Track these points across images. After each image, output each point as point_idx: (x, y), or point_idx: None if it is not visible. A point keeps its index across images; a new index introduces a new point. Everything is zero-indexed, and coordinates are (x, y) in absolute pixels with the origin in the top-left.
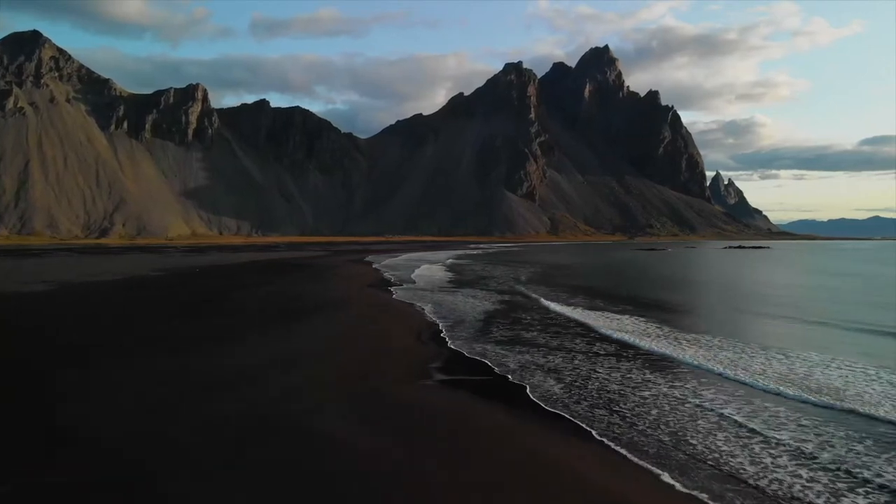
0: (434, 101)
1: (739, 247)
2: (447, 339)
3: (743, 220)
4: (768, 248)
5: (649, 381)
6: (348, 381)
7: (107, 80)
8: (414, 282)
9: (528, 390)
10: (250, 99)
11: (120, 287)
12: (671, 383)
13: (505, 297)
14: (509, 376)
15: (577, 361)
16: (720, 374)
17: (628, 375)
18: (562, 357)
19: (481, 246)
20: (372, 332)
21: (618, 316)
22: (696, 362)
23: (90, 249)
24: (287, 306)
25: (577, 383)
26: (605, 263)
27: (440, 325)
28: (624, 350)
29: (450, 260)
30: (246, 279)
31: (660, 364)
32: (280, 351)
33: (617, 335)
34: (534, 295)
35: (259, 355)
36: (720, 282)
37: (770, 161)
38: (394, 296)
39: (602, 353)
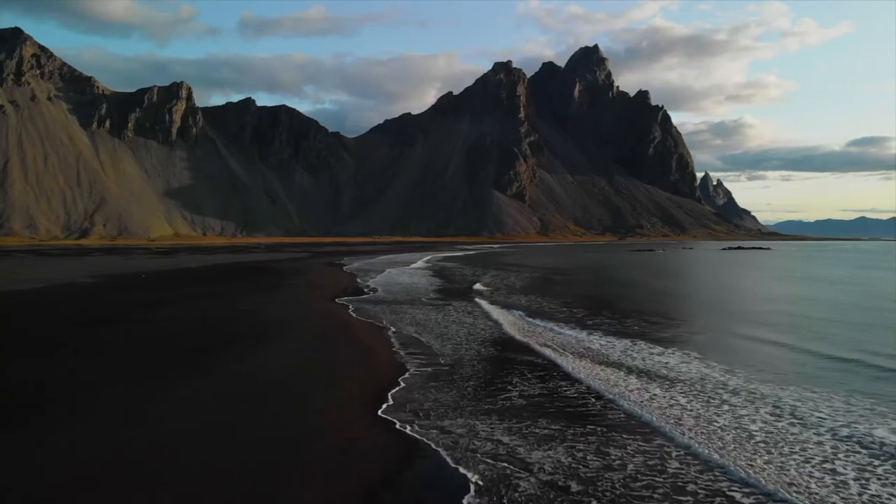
0: (424, 100)
1: (739, 247)
2: (416, 414)
3: (733, 221)
4: (769, 249)
5: None
6: None
7: (89, 78)
8: (390, 291)
9: None
10: (237, 98)
11: (14, 301)
12: None
13: (504, 316)
14: None
15: (668, 473)
16: None
17: None
18: (639, 463)
19: (470, 247)
20: (299, 394)
21: (659, 350)
22: None
23: (58, 251)
24: (202, 335)
25: None
26: (605, 266)
27: (409, 372)
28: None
29: (436, 263)
30: (188, 288)
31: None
32: (99, 448)
33: (692, 430)
34: (540, 313)
35: (43, 464)
36: (753, 296)
37: (758, 162)
38: (359, 314)
39: (685, 462)
